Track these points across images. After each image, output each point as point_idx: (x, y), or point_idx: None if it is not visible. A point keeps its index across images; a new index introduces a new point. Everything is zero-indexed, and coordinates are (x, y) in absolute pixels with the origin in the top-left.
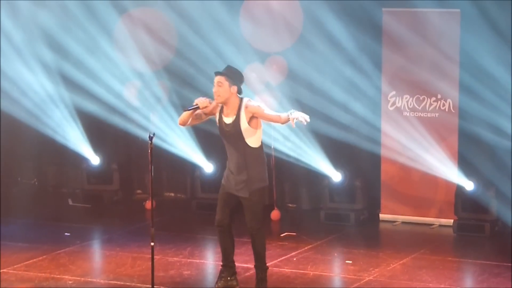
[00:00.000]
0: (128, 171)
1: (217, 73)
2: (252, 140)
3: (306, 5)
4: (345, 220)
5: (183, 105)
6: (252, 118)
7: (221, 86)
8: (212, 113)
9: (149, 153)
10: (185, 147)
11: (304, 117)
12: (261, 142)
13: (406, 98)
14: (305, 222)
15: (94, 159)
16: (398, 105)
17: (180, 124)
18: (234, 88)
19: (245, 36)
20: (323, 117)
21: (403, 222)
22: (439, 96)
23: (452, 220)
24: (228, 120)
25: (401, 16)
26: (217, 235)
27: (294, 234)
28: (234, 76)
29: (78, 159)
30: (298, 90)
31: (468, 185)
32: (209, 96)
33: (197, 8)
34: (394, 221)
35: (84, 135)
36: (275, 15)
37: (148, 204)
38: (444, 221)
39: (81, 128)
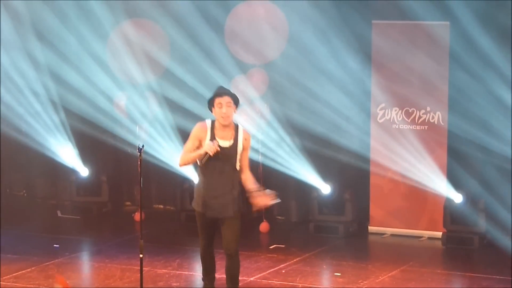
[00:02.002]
0: (117, 183)
1: (226, 93)
2: (238, 161)
3: (293, 16)
4: (334, 232)
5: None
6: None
7: (230, 107)
8: (199, 138)
9: (138, 165)
10: (174, 159)
11: (267, 201)
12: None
13: (395, 110)
14: (294, 234)
15: (83, 171)
16: (388, 117)
17: (185, 167)
18: (235, 110)
19: (230, 48)
20: (311, 129)
21: (392, 235)
22: (428, 109)
23: (441, 233)
24: (224, 143)
25: (390, 29)
26: (201, 256)
27: (283, 246)
28: (236, 97)
29: (67, 171)
30: (285, 103)
31: (457, 198)
32: (195, 115)
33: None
34: (383, 234)
35: (73, 147)
36: (260, 27)
37: (137, 216)
38: (433, 233)
39: (71, 140)
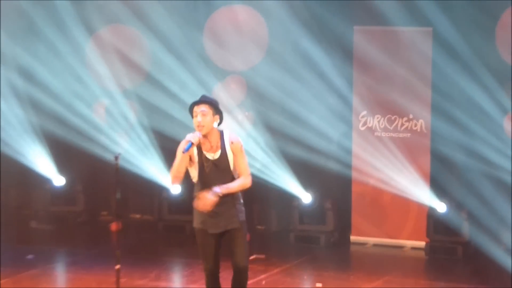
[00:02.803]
0: (93, 192)
1: (200, 102)
2: (235, 170)
3: (273, 21)
4: (315, 242)
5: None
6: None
7: (206, 115)
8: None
9: (115, 174)
10: (153, 168)
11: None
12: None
13: (377, 118)
14: (274, 244)
15: (59, 180)
16: (370, 125)
17: (178, 180)
18: (217, 118)
19: (209, 54)
20: (292, 137)
21: (374, 245)
22: (411, 116)
23: (424, 243)
24: (211, 155)
25: (372, 34)
26: (206, 281)
27: (263, 256)
28: (217, 104)
29: (42, 179)
30: (265, 110)
31: (440, 207)
32: (185, 127)
33: (170, 29)
34: (365, 243)
35: (48, 155)
36: (240, 34)
37: (113, 226)
38: (416, 243)
39: (45, 148)
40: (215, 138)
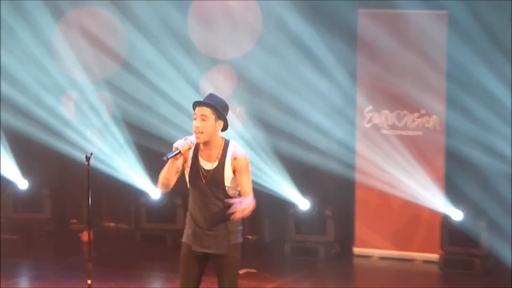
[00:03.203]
0: (62, 197)
1: (201, 103)
2: (233, 188)
3: (268, 4)
4: (313, 254)
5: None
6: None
7: (206, 120)
8: (184, 157)
9: (87, 177)
10: (129, 170)
11: (242, 211)
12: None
13: (384, 113)
14: (267, 256)
15: (22, 183)
16: (376, 121)
17: (165, 188)
18: (220, 124)
19: (195, 42)
20: (288, 136)
21: (381, 257)
22: (423, 112)
23: (437, 255)
24: (208, 165)
25: (379, 19)
26: None
27: (254, 271)
28: (222, 108)
29: (2, 183)
30: (259, 104)
31: (456, 215)
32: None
33: (148, 13)
34: (370, 256)
35: (10, 155)
36: (230, 17)
37: (84, 236)
38: (428, 256)
39: (7, 147)
40: (216, 147)
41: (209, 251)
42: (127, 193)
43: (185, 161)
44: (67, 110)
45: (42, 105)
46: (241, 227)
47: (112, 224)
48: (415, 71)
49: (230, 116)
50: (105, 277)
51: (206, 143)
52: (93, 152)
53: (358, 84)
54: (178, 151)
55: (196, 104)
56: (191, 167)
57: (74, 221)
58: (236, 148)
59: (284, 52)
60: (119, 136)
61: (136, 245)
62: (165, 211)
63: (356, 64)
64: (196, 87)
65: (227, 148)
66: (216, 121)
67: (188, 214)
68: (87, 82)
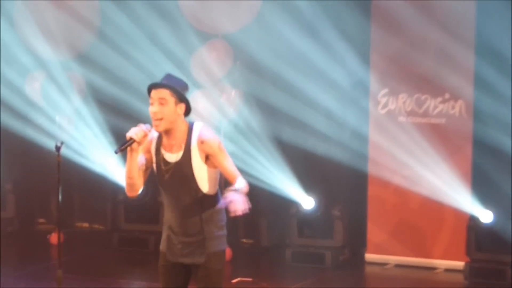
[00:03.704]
0: (27, 193)
1: (156, 85)
2: (208, 185)
3: None
4: (319, 261)
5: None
6: (208, 156)
7: (164, 104)
8: (146, 148)
9: (56, 169)
10: (105, 161)
11: (240, 209)
12: (218, 187)
13: (402, 98)
14: (265, 263)
15: None
16: (392, 107)
17: (132, 190)
18: (182, 107)
19: (185, 12)
20: (290, 123)
21: (397, 265)
22: (447, 96)
23: (462, 263)
24: (171, 156)
25: None
26: None
27: (250, 280)
28: (181, 88)
29: None
30: (258, 86)
31: (485, 216)
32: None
33: None
34: (385, 264)
35: None
36: None
37: (53, 238)
38: (452, 263)
39: None
40: (180, 134)
41: (184, 262)
42: (103, 189)
43: (149, 154)
44: (33, 94)
45: (4, 86)
46: (222, 232)
47: (85, 225)
48: (438, 48)
49: (222, 100)
50: (78, 286)
51: (167, 132)
52: (63, 141)
53: (372, 62)
54: (132, 141)
55: (151, 87)
56: (156, 162)
57: (41, 220)
58: (203, 130)
59: (286, 24)
60: (93, 121)
61: (113, 249)
62: (147, 210)
63: (370, 38)
64: (184, 66)
65: (192, 133)
66: (176, 104)
67: (164, 220)
68: (55, 60)
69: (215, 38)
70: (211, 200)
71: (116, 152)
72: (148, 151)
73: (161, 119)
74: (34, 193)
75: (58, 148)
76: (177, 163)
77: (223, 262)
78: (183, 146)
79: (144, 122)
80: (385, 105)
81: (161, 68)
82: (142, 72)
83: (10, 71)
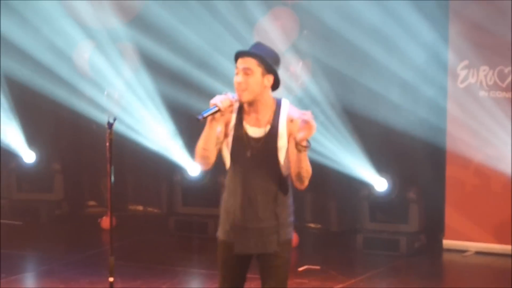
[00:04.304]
0: (77, 174)
1: (245, 53)
2: (286, 166)
3: None
4: (392, 248)
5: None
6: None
7: (250, 75)
8: (226, 120)
9: (108, 148)
10: (161, 139)
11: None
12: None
13: (484, 71)
14: (334, 250)
15: (28, 156)
16: (472, 81)
17: (205, 163)
18: (270, 79)
19: None
20: (361, 97)
21: (478, 252)
22: None
23: None
24: (256, 131)
25: None
26: None
27: (318, 268)
28: (272, 59)
29: (4, 155)
30: (325, 57)
31: None
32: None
33: None
34: (464, 251)
35: (14, 121)
36: None
37: (105, 222)
38: None
39: (11, 111)
40: (266, 108)
41: (255, 252)
42: (159, 169)
43: (226, 127)
44: (80, 68)
45: (49, 63)
46: (293, 218)
47: (139, 208)
48: None
49: (289, 72)
50: (131, 273)
51: (252, 104)
52: (116, 117)
53: (450, 32)
54: (216, 108)
55: (238, 55)
56: (234, 136)
57: (92, 203)
58: (291, 108)
59: None
60: (147, 94)
61: (169, 234)
62: (206, 193)
63: (448, 8)
64: (244, 37)
65: (280, 109)
66: (263, 75)
67: (223, 204)
68: (104, 29)
69: (280, 6)
70: (286, 182)
71: (198, 119)
72: (226, 124)
73: (245, 89)
74: (84, 173)
75: (110, 125)
76: (262, 140)
77: (291, 253)
78: (270, 122)
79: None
80: (465, 79)
81: (221, 37)
82: (201, 38)
83: (58, 42)
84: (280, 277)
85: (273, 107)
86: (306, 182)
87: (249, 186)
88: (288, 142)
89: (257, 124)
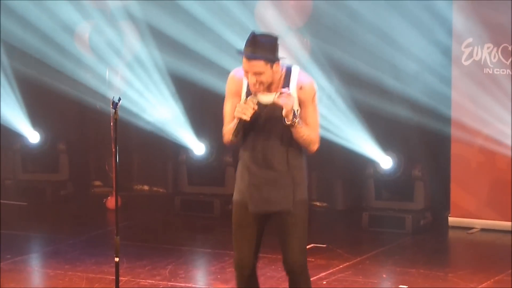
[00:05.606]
0: (82, 154)
1: (251, 57)
2: None
3: None
4: (398, 226)
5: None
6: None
7: (262, 74)
8: (237, 91)
9: (112, 128)
10: (167, 118)
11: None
12: None
13: (488, 48)
14: (340, 228)
15: (32, 136)
16: (477, 58)
17: (235, 140)
18: (278, 65)
19: None
20: (365, 75)
21: (483, 229)
22: None
23: None
24: (267, 97)
25: None
26: (236, 281)
27: (324, 246)
28: (274, 49)
29: (8, 135)
30: (330, 37)
31: None
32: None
33: None
34: (470, 228)
35: (18, 102)
36: None
37: (110, 202)
38: None
39: (14, 91)
40: (277, 80)
41: (270, 209)
42: (164, 149)
43: (238, 97)
44: (82, 46)
45: (54, 43)
46: (307, 181)
47: (144, 188)
48: None
49: (292, 49)
50: (136, 253)
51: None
52: (121, 98)
53: (455, 8)
54: (242, 121)
55: (248, 57)
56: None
57: (97, 183)
58: (302, 75)
59: None
60: (153, 72)
61: (175, 214)
62: (212, 172)
63: None
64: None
65: (290, 75)
66: (272, 67)
67: (239, 169)
68: (107, 9)
69: None
70: (299, 146)
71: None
72: (238, 94)
73: (260, 87)
74: (90, 153)
75: (115, 105)
76: (273, 105)
77: (307, 213)
78: (281, 87)
79: (214, 68)
80: (470, 56)
81: (227, 8)
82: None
83: (57, 28)
84: (298, 235)
85: (282, 73)
86: (312, 147)
87: (264, 147)
88: (302, 107)
89: (268, 90)
